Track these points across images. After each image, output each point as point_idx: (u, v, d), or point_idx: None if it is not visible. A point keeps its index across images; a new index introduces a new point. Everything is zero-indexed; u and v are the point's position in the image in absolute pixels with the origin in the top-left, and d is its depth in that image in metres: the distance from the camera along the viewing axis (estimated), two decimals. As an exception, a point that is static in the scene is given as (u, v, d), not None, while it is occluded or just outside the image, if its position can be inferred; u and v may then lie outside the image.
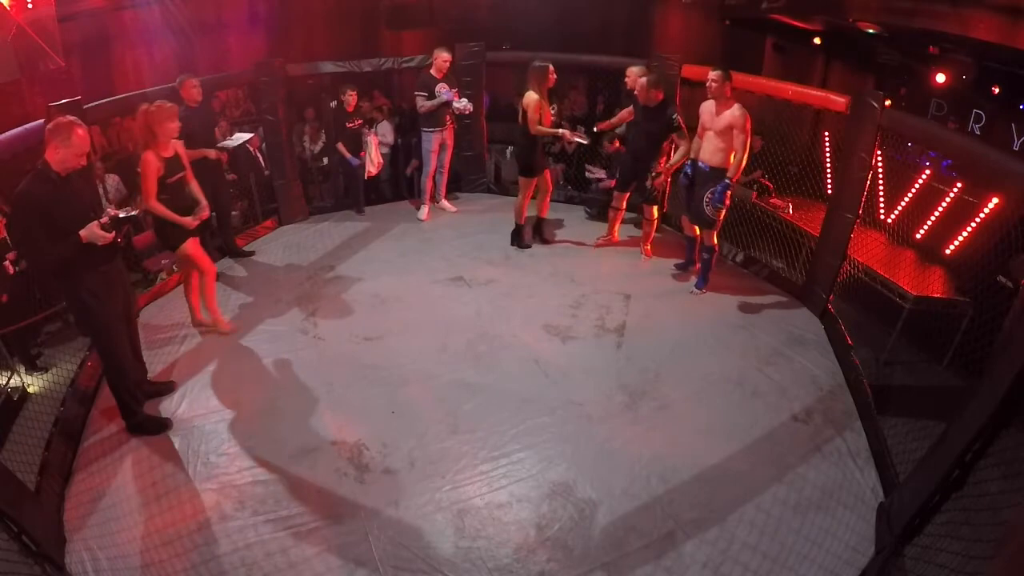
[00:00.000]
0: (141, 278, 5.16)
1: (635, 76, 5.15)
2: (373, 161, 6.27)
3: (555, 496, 3.12)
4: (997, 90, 5.07)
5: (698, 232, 4.82)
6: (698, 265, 4.96)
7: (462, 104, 5.81)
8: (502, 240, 5.68)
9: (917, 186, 4.86)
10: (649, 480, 3.21)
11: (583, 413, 3.67)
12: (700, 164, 4.56)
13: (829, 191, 5.30)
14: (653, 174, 4.99)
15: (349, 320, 4.58)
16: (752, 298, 4.87)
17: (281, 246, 5.79)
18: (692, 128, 4.70)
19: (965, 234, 4.42)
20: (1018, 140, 5.10)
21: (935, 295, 4.13)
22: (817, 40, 6.82)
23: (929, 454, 2.75)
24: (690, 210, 4.77)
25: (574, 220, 6.21)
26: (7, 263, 4.16)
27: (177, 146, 3.90)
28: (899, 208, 4.94)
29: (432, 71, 5.80)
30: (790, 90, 4.78)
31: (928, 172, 4.84)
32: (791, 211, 5.37)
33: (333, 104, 6.02)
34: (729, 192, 4.41)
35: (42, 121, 3.47)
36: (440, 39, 6.43)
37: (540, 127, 5.00)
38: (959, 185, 4.55)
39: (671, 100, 5.03)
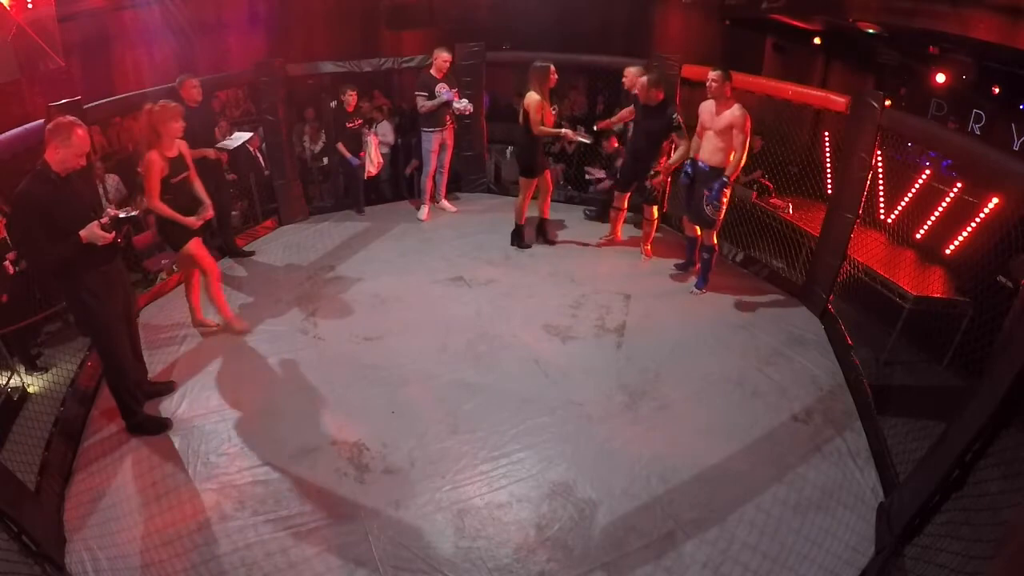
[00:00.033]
0: (141, 278, 5.17)
1: (633, 76, 5.17)
2: (373, 161, 6.27)
3: (555, 496, 3.12)
4: (997, 90, 5.08)
5: (698, 232, 4.83)
6: (698, 265, 4.96)
7: (462, 104, 5.81)
8: (502, 240, 5.68)
9: (917, 186, 4.86)
10: (649, 480, 3.21)
11: (583, 413, 3.67)
12: (700, 164, 4.56)
13: (829, 191, 5.31)
14: (652, 173, 4.99)
15: (349, 320, 4.58)
16: (752, 298, 4.87)
17: (281, 246, 5.79)
18: (692, 128, 4.70)
19: (965, 234, 4.42)
20: (1018, 140, 5.11)
21: (935, 295, 4.13)
22: (817, 40, 6.82)
23: (929, 454, 2.75)
24: (690, 210, 4.77)
25: (574, 220, 6.21)
26: (7, 263, 4.16)
27: (181, 146, 3.89)
28: (899, 208, 4.94)
29: (432, 71, 5.80)
30: (790, 90, 4.78)
31: (928, 172, 4.85)
32: (791, 211, 5.37)
33: (333, 104, 6.02)
34: (726, 190, 4.41)
35: (42, 121, 3.46)
36: (440, 39, 6.43)
37: (543, 127, 5.00)
38: (959, 185, 4.55)
39: (671, 100, 5.04)
